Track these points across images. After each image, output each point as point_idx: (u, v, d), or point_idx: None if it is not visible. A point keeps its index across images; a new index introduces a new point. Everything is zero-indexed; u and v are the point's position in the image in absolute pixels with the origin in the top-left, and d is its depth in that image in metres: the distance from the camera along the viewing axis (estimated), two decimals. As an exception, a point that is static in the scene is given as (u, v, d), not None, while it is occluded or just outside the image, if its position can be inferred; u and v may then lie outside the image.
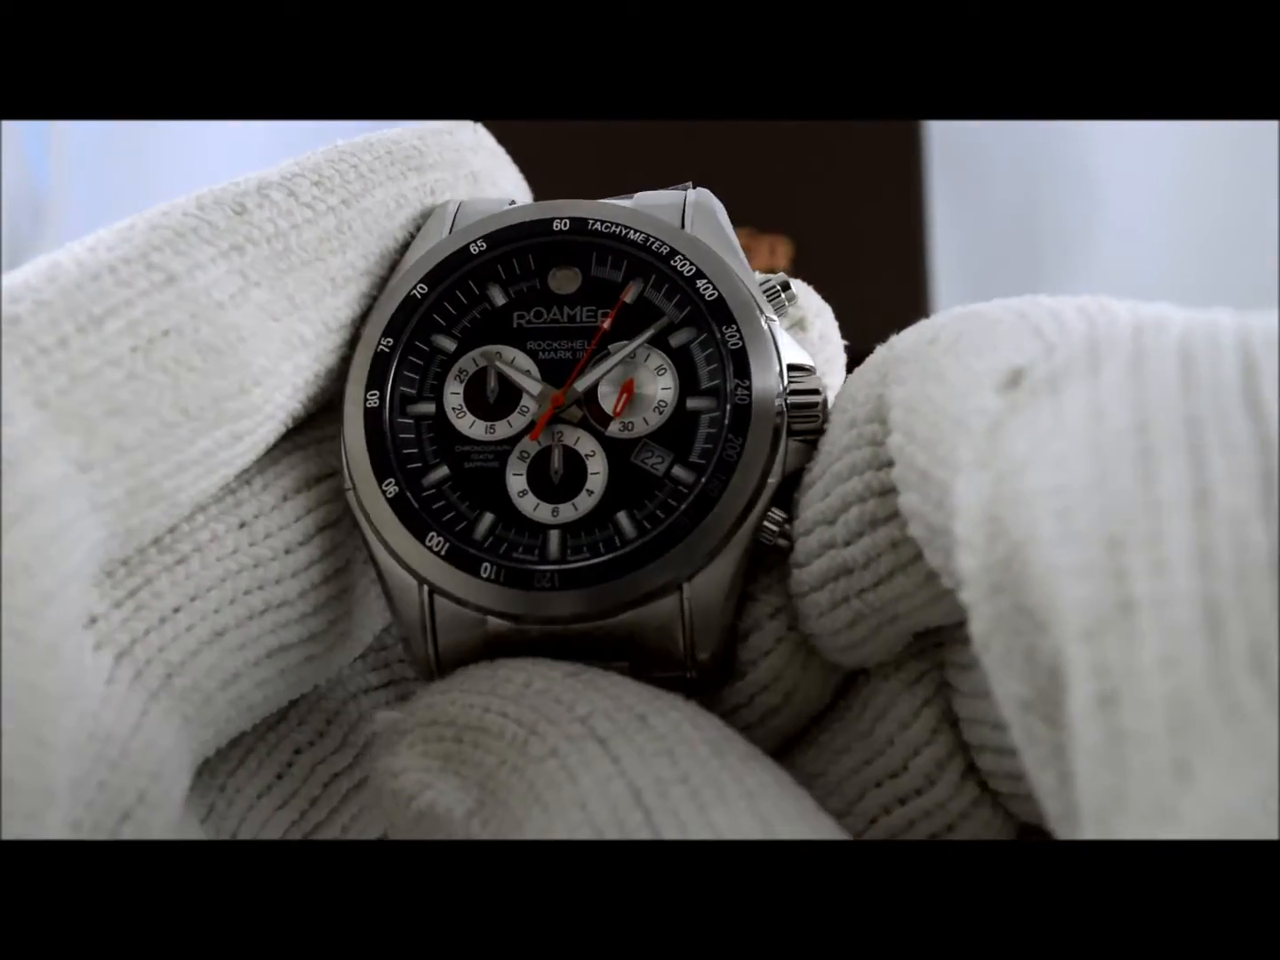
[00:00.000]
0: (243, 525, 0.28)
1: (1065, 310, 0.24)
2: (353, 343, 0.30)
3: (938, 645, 0.28)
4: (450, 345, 0.30)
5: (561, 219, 0.30)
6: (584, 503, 0.29)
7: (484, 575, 0.28)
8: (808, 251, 0.77)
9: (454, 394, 0.30)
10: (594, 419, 0.29)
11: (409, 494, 0.29)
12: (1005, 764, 0.27)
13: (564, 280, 0.30)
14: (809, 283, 0.33)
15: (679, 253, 0.30)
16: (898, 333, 0.29)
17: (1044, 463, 0.21)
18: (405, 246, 0.31)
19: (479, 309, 0.30)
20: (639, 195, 0.31)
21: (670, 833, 0.22)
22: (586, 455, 0.29)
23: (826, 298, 0.33)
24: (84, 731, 0.25)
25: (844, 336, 0.34)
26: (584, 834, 0.23)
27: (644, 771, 0.24)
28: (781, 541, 0.28)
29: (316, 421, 0.31)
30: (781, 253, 0.77)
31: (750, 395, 0.28)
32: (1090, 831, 0.19)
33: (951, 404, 0.23)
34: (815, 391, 0.29)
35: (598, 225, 0.30)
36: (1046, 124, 0.86)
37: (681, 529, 0.28)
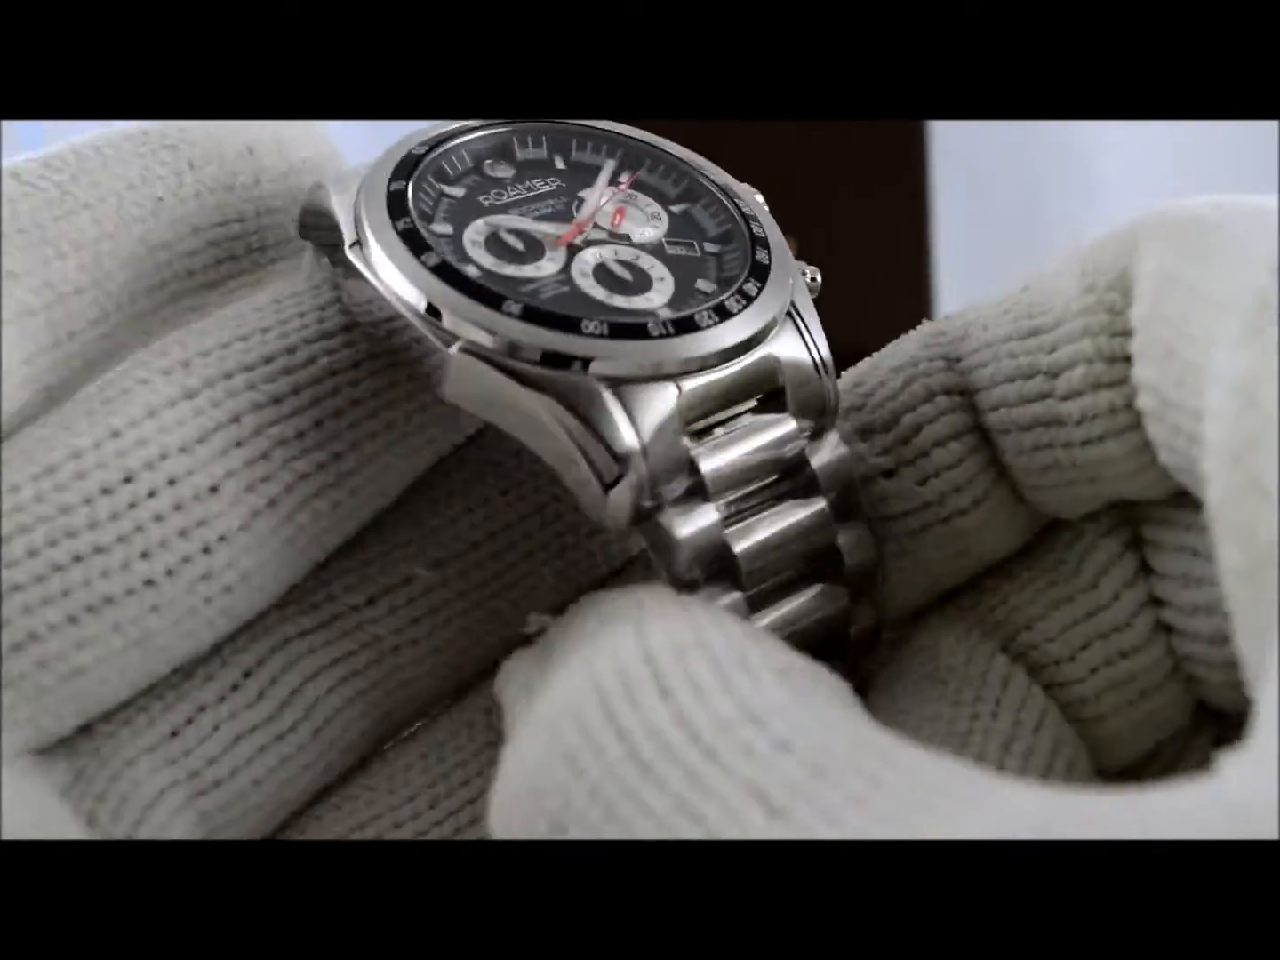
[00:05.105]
0: (117, 435, 0.26)
1: None
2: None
3: (1134, 520, 0.28)
4: (446, 229, 0.28)
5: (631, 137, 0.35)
6: (665, 287, 0.29)
7: (652, 333, 0.26)
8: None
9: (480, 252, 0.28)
10: (612, 237, 0.29)
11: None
12: (1198, 649, 0.27)
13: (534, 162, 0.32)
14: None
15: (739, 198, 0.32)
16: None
17: None
18: (157, 214, 0.30)
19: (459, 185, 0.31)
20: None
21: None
22: (635, 257, 0.29)
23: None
24: None
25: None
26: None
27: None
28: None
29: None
30: (782, 252, 0.77)
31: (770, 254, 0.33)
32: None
33: (1211, 285, 0.24)
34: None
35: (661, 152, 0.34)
36: (1049, 124, 0.86)
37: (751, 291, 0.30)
